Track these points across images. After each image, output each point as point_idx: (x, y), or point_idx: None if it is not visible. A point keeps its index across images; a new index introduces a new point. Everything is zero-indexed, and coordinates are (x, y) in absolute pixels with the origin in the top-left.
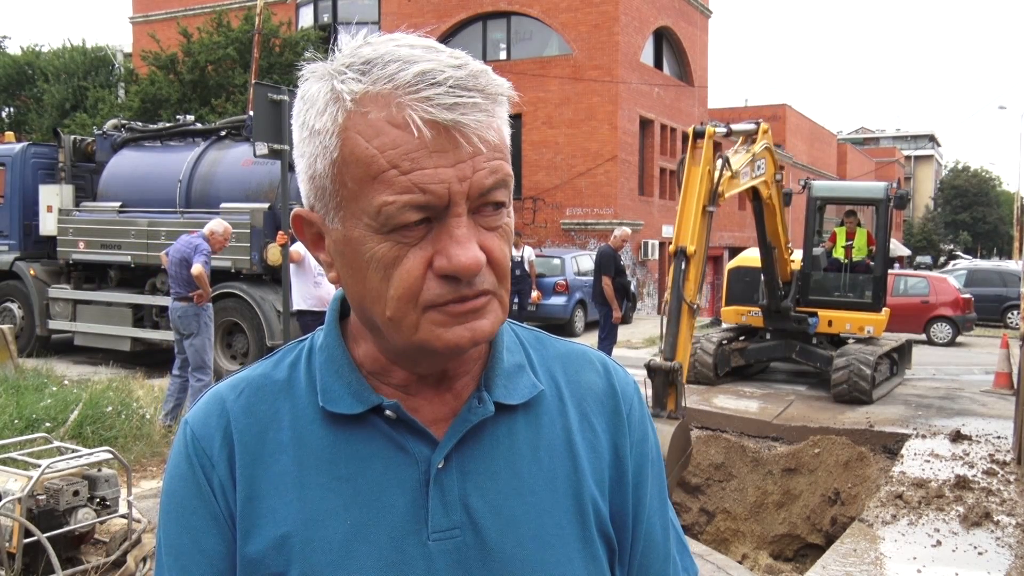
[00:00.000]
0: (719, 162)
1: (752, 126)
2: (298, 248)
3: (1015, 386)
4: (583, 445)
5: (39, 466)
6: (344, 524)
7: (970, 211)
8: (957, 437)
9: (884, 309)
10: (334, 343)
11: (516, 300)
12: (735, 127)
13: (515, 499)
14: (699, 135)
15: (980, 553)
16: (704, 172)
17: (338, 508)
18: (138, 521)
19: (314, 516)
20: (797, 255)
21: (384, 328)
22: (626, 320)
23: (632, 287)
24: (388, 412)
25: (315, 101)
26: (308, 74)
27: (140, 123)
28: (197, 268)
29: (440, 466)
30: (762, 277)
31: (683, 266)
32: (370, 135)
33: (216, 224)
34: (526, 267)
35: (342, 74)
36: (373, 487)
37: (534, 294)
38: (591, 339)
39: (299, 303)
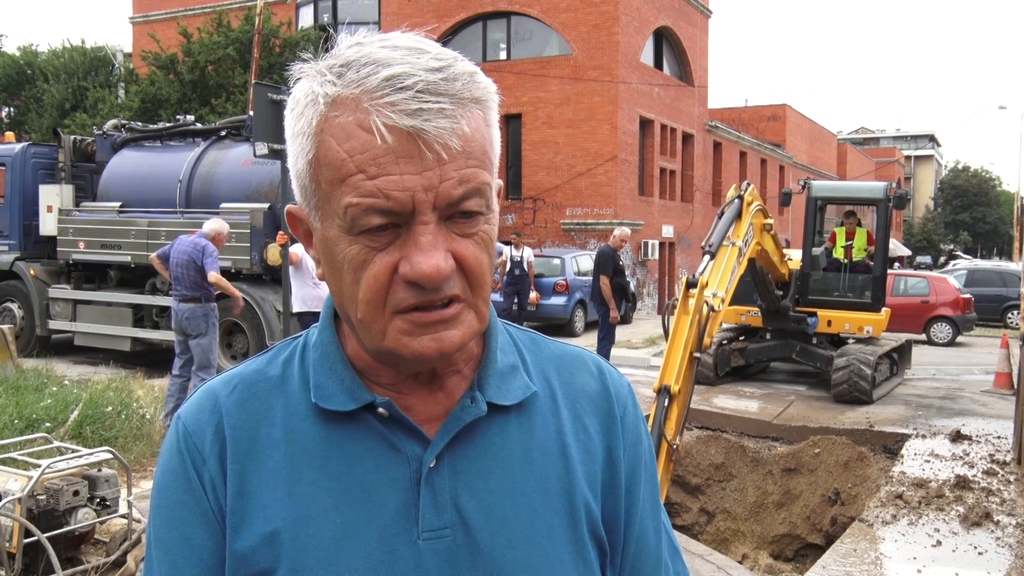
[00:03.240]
0: (705, 308)
1: (736, 208)
2: (296, 250)
3: (1015, 386)
4: (576, 447)
5: (39, 466)
6: (334, 522)
7: (970, 211)
8: (957, 437)
9: (884, 309)
10: (328, 340)
11: (516, 300)
12: (714, 241)
13: (506, 499)
14: (692, 285)
15: (980, 553)
16: (693, 320)
17: (328, 506)
18: (138, 521)
19: (304, 513)
20: (796, 255)
21: (358, 329)
22: (626, 320)
23: (632, 287)
24: (381, 410)
25: (298, 102)
26: (297, 74)
27: (140, 123)
28: (214, 275)
29: (432, 465)
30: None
31: (666, 404)
32: (341, 138)
33: (218, 224)
34: (525, 267)
35: (322, 75)
36: (364, 485)
37: (532, 295)
38: (591, 339)
39: (299, 305)
